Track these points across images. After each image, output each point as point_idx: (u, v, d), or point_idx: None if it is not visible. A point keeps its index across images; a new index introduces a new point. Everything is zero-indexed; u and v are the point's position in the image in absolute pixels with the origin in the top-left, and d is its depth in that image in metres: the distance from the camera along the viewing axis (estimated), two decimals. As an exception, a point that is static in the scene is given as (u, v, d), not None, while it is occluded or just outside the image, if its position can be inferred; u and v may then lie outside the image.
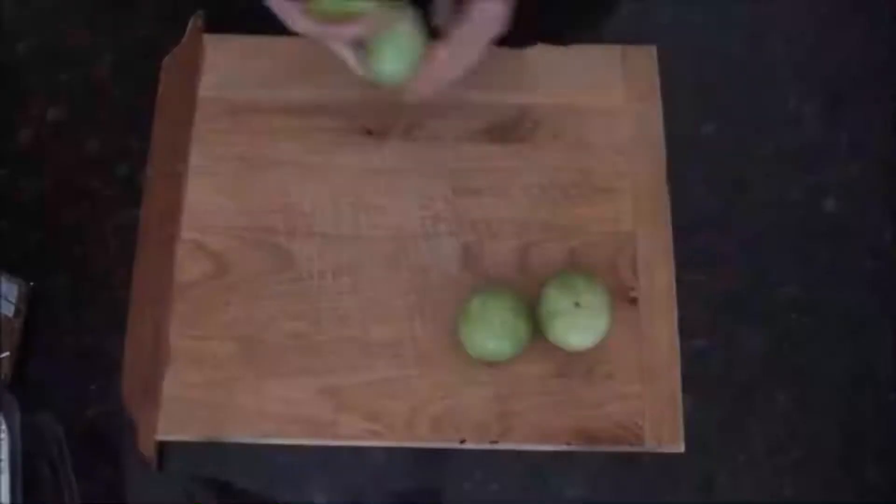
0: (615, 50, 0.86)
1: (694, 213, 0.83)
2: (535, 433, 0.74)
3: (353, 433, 0.74)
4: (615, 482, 0.77)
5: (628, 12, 0.91)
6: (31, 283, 0.80)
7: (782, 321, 0.81)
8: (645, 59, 0.85)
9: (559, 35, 0.82)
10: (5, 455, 0.68)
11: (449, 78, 0.72)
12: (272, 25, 0.72)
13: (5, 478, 0.67)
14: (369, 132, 0.82)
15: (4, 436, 0.68)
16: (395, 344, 0.76)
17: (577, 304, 0.72)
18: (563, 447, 0.74)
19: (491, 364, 0.75)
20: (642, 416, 0.74)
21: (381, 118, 0.82)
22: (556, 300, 0.73)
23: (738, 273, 0.82)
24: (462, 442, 0.74)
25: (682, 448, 0.74)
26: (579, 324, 0.72)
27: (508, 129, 0.82)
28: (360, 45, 0.70)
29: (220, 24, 0.86)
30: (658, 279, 0.78)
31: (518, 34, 0.72)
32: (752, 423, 0.78)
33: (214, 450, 0.76)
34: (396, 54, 0.70)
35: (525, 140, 0.83)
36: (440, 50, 0.70)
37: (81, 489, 0.74)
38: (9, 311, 0.77)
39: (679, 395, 0.75)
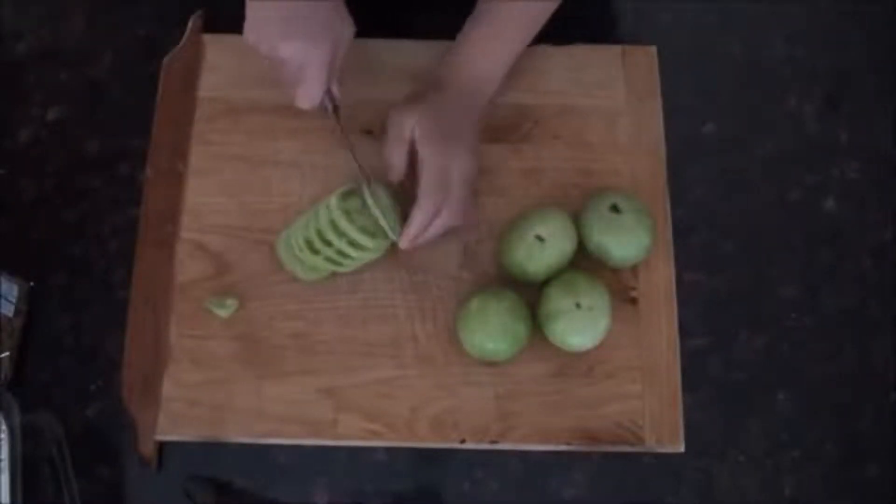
0: (615, 50, 0.86)
1: (694, 213, 0.83)
2: (535, 433, 0.74)
3: (353, 433, 0.74)
4: (615, 482, 0.77)
5: (628, 12, 0.91)
6: (31, 283, 0.80)
7: (782, 321, 0.81)
8: (645, 59, 0.85)
9: (559, 35, 0.82)
10: (5, 455, 0.68)
11: (432, 234, 0.74)
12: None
13: (5, 478, 0.67)
14: (369, 132, 0.82)
15: (4, 436, 0.68)
16: (395, 344, 0.76)
17: (577, 305, 0.72)
18: (563, 447, 0.74)
19: (491, 364, 0.75)
20: (642, 416, 0.74)
21: (381, 118, 0.82)
22: (556, 301, 0.73)
23: (738, 273, 0.82)
24: (462, 442, 0.74)
25: (682, 448, 0.74)
26: (580, 325, 0.72)
27: (508, 129, 0.82)
28: None
29: (220, 24, 0.86)
30: (658, 279, 0.78)
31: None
32: (752, 423, 0.79)
33: (214, 450, 0.76)
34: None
35: (525, 140, 0.82)
36: (416, 213, 0.72)
37: (81, 489, 0.74)
38: (9, 311, 0.77)
39: (679, 395, 0.75)
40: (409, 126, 0.73)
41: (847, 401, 0.79)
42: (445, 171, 0.72)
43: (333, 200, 0.74)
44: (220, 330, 0.77)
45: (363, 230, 0.74)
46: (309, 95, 0.71)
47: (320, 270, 0.76)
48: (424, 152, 0.72)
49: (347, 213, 0.74)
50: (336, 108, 0.76)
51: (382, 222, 0.74)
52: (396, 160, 0.73)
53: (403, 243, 0.73)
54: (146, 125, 0.83)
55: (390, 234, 0.74)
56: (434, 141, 0.72)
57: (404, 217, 0.74)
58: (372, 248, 0.74)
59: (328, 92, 0.73)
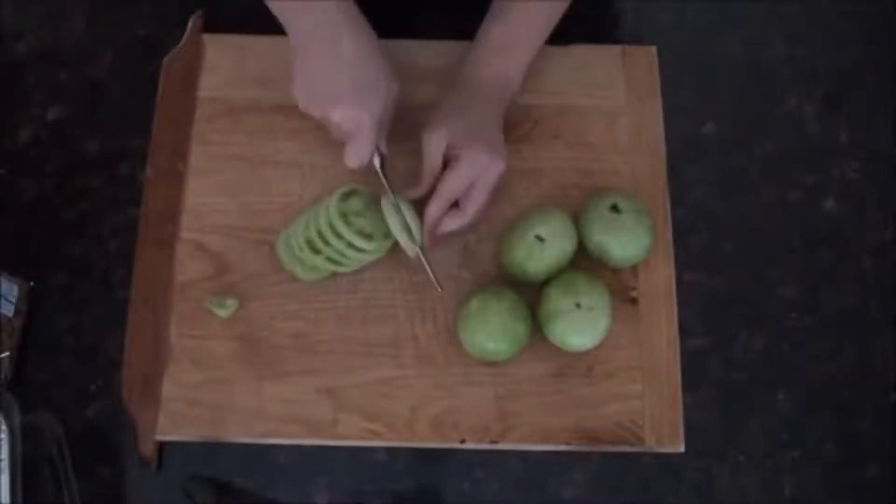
0: (615, 50, 0.86)
1: (694, 213, 0.83)
2: (535, 433, 0.74)
3: (353, 433, 0.74)
4: (615, 482, 0.77)
5: (628, 12, 0.91)
6: (31, 283, 0.80)
7: (782, 321, 0.81)
8: (645, 59, 0.85)
9: (559, 35, 0.82)
10: (5, 455, 0.68)
11: (451, 229, 0.74)
12: (272, 25, 0.72)
13: (5, 478, 0.67)
14: (369, 132, 0.82)
15: (4, 436, 0.68)
16: (395, 344, 0.76)
17: (577, 305, 0.72)
18: (563, 447, 0.74)
19: (491, 364, 0.75)
20: (642, 416, 0.74)
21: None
22: (556, 301, 0.73)
23: (738, 273, 0.82)
24: (462, 442, 0.74)
25: (682, 448, 0.74)
26: (580, 325, 0.72)
27: (508, 129, 0.82)
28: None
29: (220, 24, 0.86)
30: (658, 279, 0.78)
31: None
32: (752, 423, 0.79)
33: (214, 450, 0.76)
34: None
35: (525, 140, 0.83)
36: (431, 206, 0.72)
37: (81, 489, 0.74)
38: (9, 311, 0.77)
39: (679, 395, 0.75)
40: (441, 141, 0.72)
41: (847, 401, 0.79)
42: (475, 175, 0.72)
43: (333, 202, 0.74)
44: (220, 330, 0.77)
45: (360, 233, 0.74)
46: (359, 156, 0.72)
47: (320, 270, 0.76)
48: (459, 158, 0.71)
49: (345, 216, 0.74)
50: (383, 164, 0.75)
51: (403, 234, 0.74)
52: (433, 169, 0.73)
53: (425, 238, 0.74)
54: (146, 125, 0.83)
55: (415, 239, 0.74)
56: (468, 149, 0.71)
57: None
58: (370, 250, 0.74)
59: (376, 149, 0.74)
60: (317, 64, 0.70)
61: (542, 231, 0.74)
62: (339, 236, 0.74)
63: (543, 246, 0.74)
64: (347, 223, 0.74)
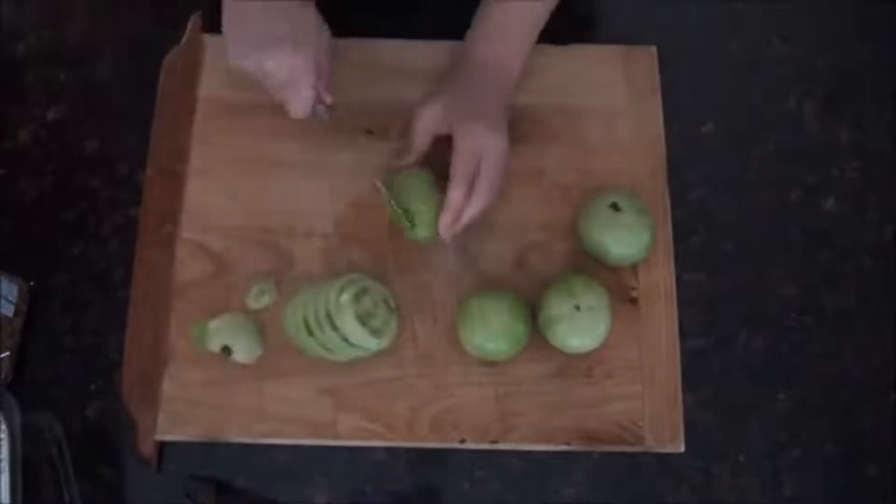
0: (615, 50, 0.86)
1: (694, 213, 0.83)
2: (535, 433, 0.74)
3: (353, 433, 0.74)
4: (615, 482, 0.77)
5: (628, 12, 0.91)
6: (31, 283, 0.80)
7: (782, 321, 0.81)
8: (645, 59, 0.85)
9: (559, 35, 0.82)
10: (5, 455, 0.68)
11: (470, 218, 0.73)
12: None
13: (5, 478, 0.67)
14: (369, 132, 0.82)
15: (4, 436, 0.68)
16: (395, 344, 0.76)
17: (576, 308, 0.72)
18: (563, 447, 0.74)
19: (491, 364, 0.75)
20: (642, 416, 0.74)
21: (381, 118, 0.82)
22: (555, 304, 0.73)
23: (738, 273, 0.82)
24: (462, 442, 0.74)
25: (682, 448, 0.74)
26: (580, 327, 0.72)
27: (508, 129, 0.82)
28: None
29: (220, 24, 0.86)
30: (658, 279, 0.78)
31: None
32: (752, 423, 0.79)
33: (214, 450, 0.76)
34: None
35: (525, 140, 0.82)
36: (452, 192, 0.72)
37: (81, 489, 0.74)
38: (9, 311, 0.77)
39: (679, 395, 0.75)
40: (436, 114, 0.73)
41: (847, 401, 0.79)
42: (478, 150, 0.72)
43: (345, 300, 0.72)
44: (220, 330, 0.76)
45: (372, 332, 0.73)
46: (301, 101, 0.71)
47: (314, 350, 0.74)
48: (457, 132, 0.72)
49: (360, 318, 0.72)
50: (331, 116, 0.74)
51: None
52: (419, 143, 0.74)
53: (442, 230, 0.73)
54: (146, 125, 0.83)
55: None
56: (465, 121, 0.72)
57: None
58: (379, 347, 0.73)
59: (319, 99, 0.72)
60: (251, 9, 0.68)
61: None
62: (351, 343, 0.73)
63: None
64: (363, 324, 0.72)
